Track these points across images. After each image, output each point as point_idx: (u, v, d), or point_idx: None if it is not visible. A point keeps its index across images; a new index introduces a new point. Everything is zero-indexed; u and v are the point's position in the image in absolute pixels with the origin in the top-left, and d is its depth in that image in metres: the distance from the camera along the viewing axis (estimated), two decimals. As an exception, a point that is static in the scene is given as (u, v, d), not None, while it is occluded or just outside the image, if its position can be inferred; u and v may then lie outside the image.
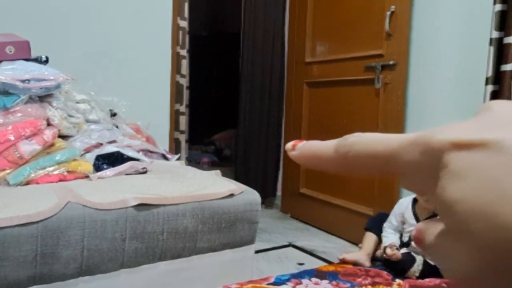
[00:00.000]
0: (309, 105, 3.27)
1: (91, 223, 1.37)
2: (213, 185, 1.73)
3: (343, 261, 1.73)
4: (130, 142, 2.22)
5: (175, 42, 2.89)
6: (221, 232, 1.66)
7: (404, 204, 1.59)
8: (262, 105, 3.56)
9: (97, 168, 1.75)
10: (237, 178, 3.35)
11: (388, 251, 1.56)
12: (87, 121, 2.09)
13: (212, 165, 4.61)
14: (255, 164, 3.59)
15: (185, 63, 3.04)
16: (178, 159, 2.55)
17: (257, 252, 2.46)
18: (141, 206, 1.47)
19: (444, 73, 2.38)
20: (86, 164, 1.72)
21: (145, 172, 1.85)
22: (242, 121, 3.62)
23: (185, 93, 3.07)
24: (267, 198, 3.64)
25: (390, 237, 1.65)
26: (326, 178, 3.07)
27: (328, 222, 3.00)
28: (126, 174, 1.80)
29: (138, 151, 2.26)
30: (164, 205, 1.53)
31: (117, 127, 2.35)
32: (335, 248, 2.60)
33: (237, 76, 3.68)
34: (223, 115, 5.11)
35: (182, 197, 1.59)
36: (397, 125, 2.52)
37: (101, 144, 1.95)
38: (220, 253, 1.69)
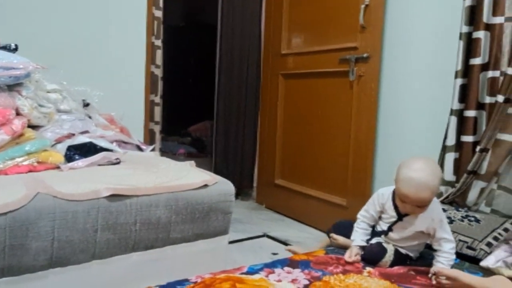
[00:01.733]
0: (284, 96, 3.28)
1: (62, 214, 1.36)
2: (187, 176, 1.73)
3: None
4: (103, 132, 2.19)
5: (150, 32, 2.86)
6: (194, 222, 1.66)
7: (385, 195, 1.60)
8: (239, 96, 3.56)
9: (69, 158, 1.72)
10: (213, 170, 3.35)
11: (346, 257, 1.58)
12: (59, 111, 2.05)
13: (188, 156, 4.58)
14: (232, 156, 3.59)
15: (160, 54, 3.00)
16: (153, 150, 2.53)
17: (231, 242, 2.48)
18: (113, 197, 1.46)
19: (416, 66, 2.42)
20: (57, 154, 1.69)
21: (118, 163, 1.83)
22: (218, 112, 3.61)
23: (160, 84, 3.04)
24: (243, 190, 3.65)
25: (357, 237, 1.64)
26: (301, 169, 3.10)
27: (302, 213, 3.04)
28: (99, 165, 1.78)
29: (112, 142, 2.23)
30: (137, 195, 1.52)
31: (90, 117, 2.32)
32: (309, 238, 2.64)
33: (214, 67, 3.66)
34: (199, 106, 5.08)
35: (156, 188, 1.58)
36: (370, 116, 2.57)
37: (73, 134, 1.92)
38: (194, 244, 1.70)
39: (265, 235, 2.71)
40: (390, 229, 1.60)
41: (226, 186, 1.79)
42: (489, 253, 1.62)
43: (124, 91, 2.74)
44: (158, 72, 3.02)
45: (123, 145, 2.32)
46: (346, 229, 1.72)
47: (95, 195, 1.43)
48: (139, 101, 2.84)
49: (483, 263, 1.58)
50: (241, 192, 3.64)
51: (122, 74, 2.74)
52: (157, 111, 3.03)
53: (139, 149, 2.42)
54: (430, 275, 1.44)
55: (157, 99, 3.02)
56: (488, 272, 1.51)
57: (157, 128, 3.04)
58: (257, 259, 1.76)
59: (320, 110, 2.93)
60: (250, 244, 2.54)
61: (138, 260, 1.55)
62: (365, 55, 2.58)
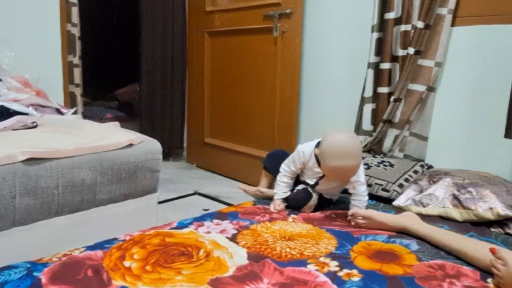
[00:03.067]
0: (210, 54, 3.25)
1: (-26, 181, 1.29)
2: (111, 136, 1.69)
3: (244, 190, 1.90)
4: (16, 96, 2.06)
5: (62, -14, 2.66)
6: (121, 182, 1.65)
7: (306, 153, 1.65)
8: (164, 55, 3.46)
9: (-22, 124, 1.61)
10: (141, 132, 3.28)
11: (272, 208, 1.67)
12: (-37, 73, 1.89)
13: (116, 121, 4.44)
14: (160, 117, 3.53)
15: (75, 11, 2.81)
16: (75, 113, 2.43)
17: (163, 202, 2.50)
18: (31, 161, 1.40)
19: (336, 21, 2.49)
20: (-36, 120, 1.57)
21: (35, 127, 1.75)
22: (144, 73, 3.50)
23: (78, 44, 2.87)
24: (174, 150, 3.63)
25: (280, 190, 1.72)
26: (229, 126, 3.14)
27: (232, 169, 3.10)
28: (14, 130, 1.68)
29: (28, 106, 2.12)
30: (58, 158, 1.47)
31: (0, 80, 2.16)
32: (240, 192, 2.68)
33: (138, 26, 3.51)
34: (126, 68, 4.87)
35: (77, 149, 1.53)
36: (294, 72, 2.62)
37: (-19, 98, 1.79)
38: (122, 204, 1.68)
39: (196, 193, 2.75)
40: (316, 183, 1.68)
41: (152, 145, 1.77)
42: (400, 194, 1.77)
43: (38, 52, 2.56)
44: (75, 31, 2.84)
45: (40, 109, 2.20)
46: (278, 158, 1.79)
47: (10, 160, 1.36)
48: (56, 62, 2.67)
49: (395, 203, 1.73)
50: (172, 153, 3.62)
51: (35, 33, 2.55)
52: (77, 72, 2.87)
53: (59, 112, 2.31)
54: (348, 217, 1.56)
55: (76, 60, 2.86)
56: (399, 210, 1.66)
57: (78, 91, 2.89)
58: (189, 216, 1.77)
59: (246, 67, 2.95)
60: (182, 203, 2.57)
61: (63, 224, 1.52)
62: (288, 10, 2.60)
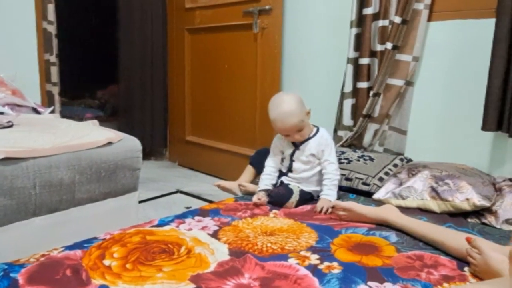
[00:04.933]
0: (191, 52, 3.23)
1: None
2: (90, 135, 1.67)
3: (218, 187, 1.94)
4: (-9, 95, 2.02)
5: (37, -16, 2.61)
6: (101, 181, 1.63)
7: (279, 134, 1.74)
8: (143, 54, 3.42)
9: (-49, 124, 1.57)
10: (122, 132, 3.23)
11: (254, 199, 1.69)
12: None
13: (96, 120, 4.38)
14: (141, 116, 3.49)
15: (51, 8, 2.76)
16: (52, 112, 2.39)
17: (144, 201, 2.47)
18: (6, 161, 1.37)
19: (316, 17, 2.50)
20: None
21: (11, 126, 1.71)
22: (123, 72, 3.46)
23: (55, 42, 2.82)
24: (156, 150, 3.59)
25: (262, 182, 1.76)
26: (211, 124, 3.13)
27: (214, 167, 3.09)
28: (-12, 130, 1.65)
29: (3, 105, 2.08)
30: (34, 157, 1.44)
31: (-26, 79, 2.11)
32: (222, 191, 2.69)
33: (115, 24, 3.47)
34: (107, 67, 4.79)
35: (55, 148, 1.51)
36: (275, 68, 2.63)
37: (-46, 98, 1.75)
38: (102, 203, 1.67)
39: (178, 191, 2.73)
40: (292, 160, 1.72)
41: (132, 143, 1.76)
42: (380, 187, 1.79)
43: (13, 50, 2.51)
44: (52, 29, 2.79)
45: (16, 108, 2.16)
46: (264, 156, 1.84)
47: (-15, 160, 1.33)
48: (32, 60, 2.63)
49: (375, 196, 1.75)
50: (154, 152, 3.59)
51: (10, 31, 2.50)
52: (54, 71, 2.82)
53: (36, 112, 2.27)
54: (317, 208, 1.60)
55: (53, 58, 2.81)
56: (380, 203, 1.68)
57: (55, 90, 2.84)
58: (171, 214, 1.76)
59: (227, 64, 2.94)
60: (164, 201, 2.55)
61: (41, 225, 1.49)
62: (267, 7, 2.60)
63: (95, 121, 1.96)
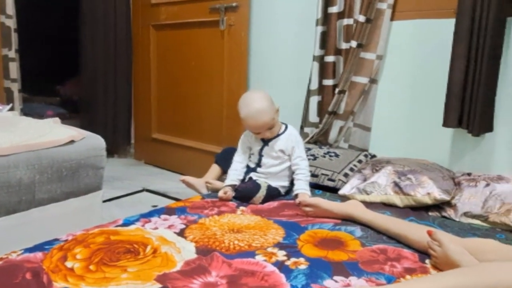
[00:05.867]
0: (157, 48, 3.18)
1: None
2: (50, 133, 1.62)
3: (183, 182, 1.93)
4: None
5: (-7, -25, 2.50)
6: (62, 181, 1.58)
7: (250, 132, 1.75)
8: (107, 50, 3.33)
9: None
10: (84, 129, 3.14)
11: (220, 194, 1.68)
12: None
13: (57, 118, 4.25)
14: (104, 114, 3.40)
15: (10, 1, 2.66)
16: (11, 109, 2.31)
17: (109, 200, 2.42)
18: (-40, 161, 1.31)
19: (282, 14, 2.51)
20: None
21: (-35, 125, 1.64)
22: (84, 68, 3.36)
23: (14, 36, 2.71)
24: (120, 147, 3.52)
25: (229, 177, 1.77)
26: (177, 121, 3.09)
27: (180, 164, 3.06)
28: None
29: (-43, 103, 1.98)
30: (-9, 157, 1.39)
31: None
32: (188, 188, 2.67)
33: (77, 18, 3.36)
34: (69, 62, 4.65)
35: (13, 147, 1.46)
36: (242, 65, 2.62)
37: None
38: (64, 203, 1.62)
39: (144, 190, 2.69)
40: (261, 155, 1.74)
41: (95, 141, 1.72)
42: (345, 183, 1.82)
43: (-33, 45, 2.40)
44: (11, 23, 2.69)
45: (-28, 105, 2.07)
46: (230, 155, 1.85)
47: None
48: (-11, 56, 2.52)
49: (340, 192, 1.78)
50: (118, 150, 3.51)
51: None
52: (13, 67, 2.71)
53: (-6, 109, 2.18)
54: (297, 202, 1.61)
55: (12, 54, 2.70)
56: (345, 199, 1.71)
57: (15, 86, 2.74)
58: (137, 213, 1.73)
59: (193, 61, 2.91)
60: (130, 200, 2.50)
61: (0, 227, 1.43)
62: (234, 4, 2.59)
63: (57, 119, 1.90)
